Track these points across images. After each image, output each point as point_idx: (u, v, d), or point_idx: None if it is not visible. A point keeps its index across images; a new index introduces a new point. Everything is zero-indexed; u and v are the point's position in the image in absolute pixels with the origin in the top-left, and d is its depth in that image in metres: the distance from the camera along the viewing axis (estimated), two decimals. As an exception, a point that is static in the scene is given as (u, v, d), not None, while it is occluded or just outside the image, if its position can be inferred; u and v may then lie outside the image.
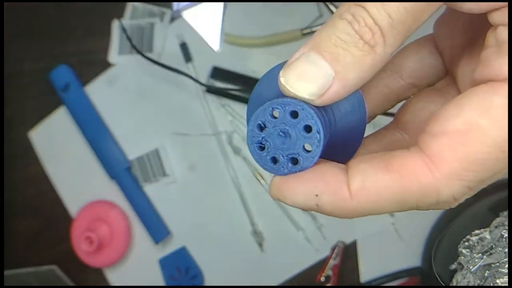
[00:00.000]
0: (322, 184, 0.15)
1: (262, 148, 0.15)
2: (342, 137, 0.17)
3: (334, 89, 0.14)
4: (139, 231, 0.48)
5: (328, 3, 0.43)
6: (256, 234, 0.45)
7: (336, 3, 0.43)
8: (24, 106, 0.50)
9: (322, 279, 0.44)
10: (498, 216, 0.38)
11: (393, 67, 0.20)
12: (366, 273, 0.44)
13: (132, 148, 0.48)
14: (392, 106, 0.21)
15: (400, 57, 0.20)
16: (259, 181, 0.46)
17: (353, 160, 0.15)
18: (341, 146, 0.18)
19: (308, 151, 0.15)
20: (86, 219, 0.47)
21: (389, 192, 0.14)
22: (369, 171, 0.14)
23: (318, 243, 0.45)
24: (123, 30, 0.47)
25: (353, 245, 0.44)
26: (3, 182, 0.49)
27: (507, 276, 0.34)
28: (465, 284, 0.37)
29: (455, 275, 0.38)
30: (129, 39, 0.46)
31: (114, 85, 0.48)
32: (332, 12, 0.43)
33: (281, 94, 0.15)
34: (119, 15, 0.48)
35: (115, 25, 0.48)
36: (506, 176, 0.15)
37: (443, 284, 0.39)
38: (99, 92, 0.49)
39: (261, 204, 0.46)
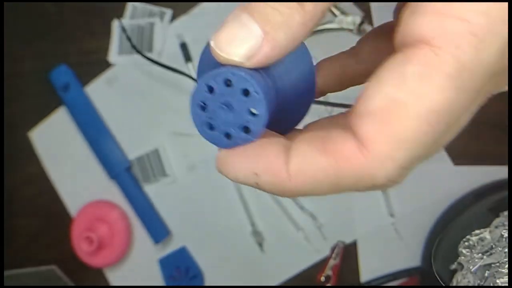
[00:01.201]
0: (262, 163, 0.15)
1: (211, 128, 0.15)
2: (291, 100, 0.17)
3: (264, 51, 0.14)
4: (139, 231, 0.48)
5: (328, 3, 0.43)
6: (256, 234, 0.45)
7: (336, 3, 0.43)
8: (24, 106, 0.50)
9: (322, 279, 0.44)
10: (498, 216, 0.38)
11: (353, 50, 0.20)
12: (366, 273, 0.44)
13: (132, 148, 0.48)
14: (344, 89, 0.20)
15: (361, 41, 0.20)
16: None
17: (297, 140, 0.15)
18: (292, 110, 0.17)
19: (255, 114, 0.14)
20: (86, 219, 0.47)
21: (325, 176, 0.14)
22: (308, 153, 0.14)
23: (318, 243, 0.45)
24: (123, 30, 0.47)
25: (353, 245, 0.44)
26: (3, 181, 0.49)
27: (507, 276, 0.34)
28: (465, 284, 0.37)
29: (455, 275, 0.38)
30: (129, 39, 0.46)
31: (114, 85, 0.49)
32: (332, 12, 0.43)
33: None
34: (119, 15, 0.48)
35: (115, 25, 0.48)
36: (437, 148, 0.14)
37: (443, 284, 0.39)
38: (99, 92, 0.49)
39: (261, 204, 0.46)
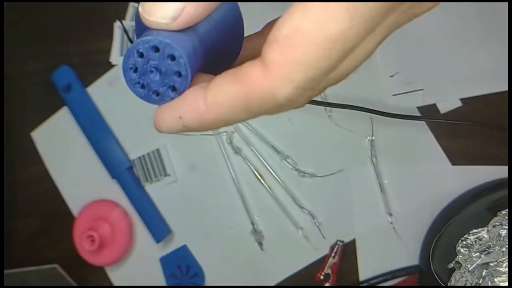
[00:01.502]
0: (184, 105, 0.16)
1: (143, 87, 0.17)
2: (221, 50, 0.19)
3: (187, 11, 0.15)
4: (141, 230, 0.48)
5: None
6: (256, 233, 0.46)
7: None
8: (27, 107, 0.51)
9: (321, 277, 0.45)
10: (496, 215, 0.38)
11: (261, 32, 0.22)
12: (365, 272, 0.45)
13: (134, 148, 0.48)
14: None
15: (268, 25, 0.22)
16: (259, 181, 0.46)
17: (216, 76, 0.17)
18: (222, 59, 0.19)
19: (180, 75, 0.16)
20: (88, 218, 0.48)
21: (236, 101, 0.16)
22: (221, 84, 0.16)
23: (317, 242, 0.45)
24: (125, 31, 0.47)
25: (352, 244, 0.45)
26: (3, 181, 0.50)
27: (505, 275, 0.35)
28: (463, 283, 0.37)
29: (453, 274, 0.38)
30: (131, 40, 0.47)
31: (115, 86, 0.49)
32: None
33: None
34: (121, 16, 0.49)
35: (117, 27, 0.49)
36: (336, 76, 0.15)
37: (441, 283, 0.39)
38: (101, 92, 0.49)
39: (261, 203, 0.46)
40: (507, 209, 0.37)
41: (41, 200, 0.50)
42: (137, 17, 0.19)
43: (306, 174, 0.45)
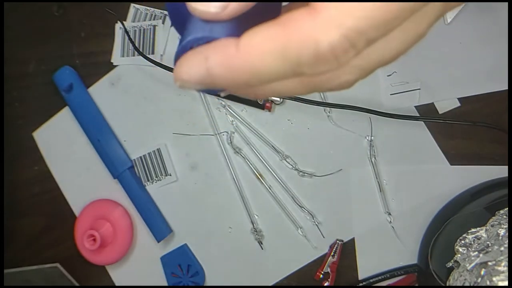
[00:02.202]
0: (212, 46, 0.15)
1: None
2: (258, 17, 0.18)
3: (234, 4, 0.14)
4: (142, 229, 0.49)
5: None
6: (256, 232, 0.46)
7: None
8: (29, 107, 0.51)
9: (321, 276, 0.45)
10: (494, 215, 0.38)
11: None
12: (363, 271, 0.45)
13: (135, 148, 0.49)
14: None
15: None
16: (259, 180, 0.46)
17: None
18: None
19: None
20: (90, 217, 0.48)
21: (272, 43, 0.14)
22: (259, 28, 0.14)
23: (316, 241, 0.45)
24: (126, 32, 0.48)
25: (351, 243, 0.45)
26: (3, 181, 0.50)
27: (503, 274, 0.35)
28: (462, 282, 0.37)
29: (451, 273, 0.38)
30: (132, 41, 0.47)
31: (117, 86, 0.49)
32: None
33: None
34: (122, 17, 0.49)
35: (118, 28, 0.49)
36: None
37: (440, 282, 0.39)
38: (102, 93, 0.49)
39: (261, 203, 0.46)
40: (505, 209, 0.37)
41: (43, 200, 0.50)
42: (172, 6, 0.18)
43: (306, 174, 0.45)
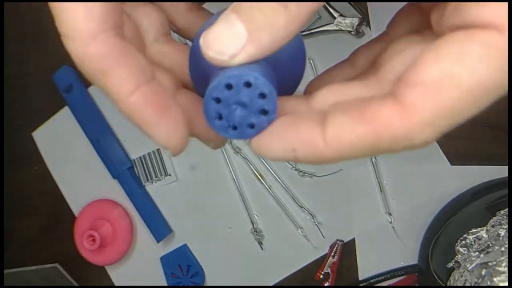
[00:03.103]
0: (297, 138, 0.15)
1: (220, 118, 0.16)
2: (285, 74, 0.19)
3: (247, 50, 0.15)
4: (141, 230, 0.49)
5: (326, 5, 0.44)
6: (256, 232, 0.46)
7: (335, 4, 0.44)
8: (28, 107, 0.51)
9: (321, 276, 0.45)
10: (495, 215, 0.38)
11: (348, 61, 0.21)
12: (364, 271, 0.45)
13: (134, 148, 0.49)
14: None
15: (356, 53, 0.21)
16: (259, 180, 0.46)
17: (331, 110, 0.16)
18: (284, 83, 0.19)
19: (266, 113, 0.16)
20: (89, 217, 0.48)
21: (362, 141, 0.15)
22: (345, 121, 0.15)
23: (317, 241, 0.45)
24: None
25: (352, 243, 0.45)
26: (3, 181, 0.50)
27: (504, 275, 0.35)
28: (462, 282, 0.37)
29: (452, 273, 0.38)
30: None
31: (116, 86, 0.49)
32: (330, 14, 0.44)
33: None
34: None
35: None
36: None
37: (440, 282, 0.39)
38: (101, 92, 0.49)
39: (261, 203, 0.46)
40: (506, 209, 0.37)
41: (42, 200, 0.50)
42: (195, 46, 0.18)
43: (306, 174, 0.45)
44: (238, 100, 0.15)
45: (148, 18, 0.20)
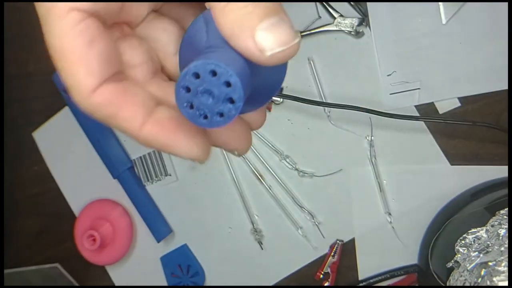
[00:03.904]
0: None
1: (191, 107, 0.17)
2: (263, 82, 0.19)
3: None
4: (141, 230, 0.49)
5: (326, 5, 0.44)
6: (256, 232, 0.46)
7: (335, 4, 0.44)
8: (28, 107, 0.51)
9: (321, 276, 0.45)
10: (494, 215, 0.38)
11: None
12: (364, 271, 0.45)
13: (135, 148, 0.49)
14: None
15: None
16: (259, 180, 0.46)
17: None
18: (261, 92, 0.20)
19: (232, 102, 0.16)
20: (89, 217, 0.48)
21: None
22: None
23: (316, 241, 0.45)
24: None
25: (351, 243, 0.45)
26: (3, 181, 0.50)
27: (504, 274, 0.35)
28: (462, 282, 0.37)
29: (452, 273, 0.38)
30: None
31: (116, 86, 0.49)
32: (330, 14, 0.44)
33: (211, 39, 0.18)
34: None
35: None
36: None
37: (440, 282, 0.39)
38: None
39: (261, 203, 0.46)
40: (505, 209, 0.37)
41: (43, 200, 0.50)
42: (191, 29, 0.19)
43: (306, 174, 0.45)
44: (205, 88, 0.16)
45: (165, 33, 0.21)
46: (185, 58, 0.20)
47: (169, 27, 0.21)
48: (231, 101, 0.16)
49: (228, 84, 0.16)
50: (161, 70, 0.21)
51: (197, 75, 0.16)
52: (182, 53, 0.20)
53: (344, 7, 0.44)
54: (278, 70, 0.20)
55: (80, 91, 0.17)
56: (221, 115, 0.16)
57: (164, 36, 0.20)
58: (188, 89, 0.16)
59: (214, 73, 0.16)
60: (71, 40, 0.17)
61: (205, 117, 0.16)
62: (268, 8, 0.15)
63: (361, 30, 0.43)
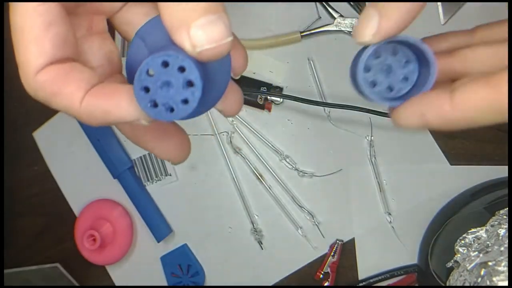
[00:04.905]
0: (426, 104, 0.18)
1: (156, 105, 0.16)
2: (213, 77, 0.19)
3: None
4: (142, 229, 0.49)
5: (326, 5, 0.44)
6: (256, 232, 0.46)
7: (335, 5, 0.44)
8: (28, 107, 0.51)
9: (321, 276, 0.45)
10: (494, 215, 0.38)
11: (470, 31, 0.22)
12: (363, 271, 0.45)
13: (135, 148, 0.49)
14: None
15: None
16: (259, 180, 0.46)
17: (459, 80, 0.18)
18: (212, 88, 0.20)
19: (192, 85, 0.16)
20: (90, 217, 0.48)
21: (486, 104, 0.17)
22: (472, 86, 0.17)
23: (316, 241, 0.45)
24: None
25: (351, 243, 0.45)
26: (3, 181, 0.50)
27: (503, 274, 0.35)
28: (462, 282, 0.37)
29: (451, 273, 0.38)
30: (132, 41, 0.47)
31: (116, 86, 0.49)
32: (330, 14, 0.44)
33: (154, 48, 0.18)
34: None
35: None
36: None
37: (440, 282, 0.39)
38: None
39: (261, 203, 0.46)
40: (505, 209, 0.37)
41: (43, 200, 0.50)
42: (134, 44, 0.19)
43: (306, 174, 0.45)
44: (163, 81, 0.16)
45: (146, 17, 0.21)
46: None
47: (151, 11, 0.21)
48: (191, 83, 0.16)
49: (182, 69, 0.16)
50: (119, 72, 0.21)
51: (150, 72, 0.16)
52: (130, 75, 0.19)
53: (344, 7, 0.44)
54: (223, 66, 0.19)
55: (27, 69, 0.17)
56: (186, 101, 0.16)
57: (146, 20, 0.21)
58: (147, 89, 0.16)
59: (166, 64, 0.16)
60: (30, 19, 0.17)
61: (171, 109, 0.16)
62: (209, 6, 0.16)
63: (361, 30, 0.43)
